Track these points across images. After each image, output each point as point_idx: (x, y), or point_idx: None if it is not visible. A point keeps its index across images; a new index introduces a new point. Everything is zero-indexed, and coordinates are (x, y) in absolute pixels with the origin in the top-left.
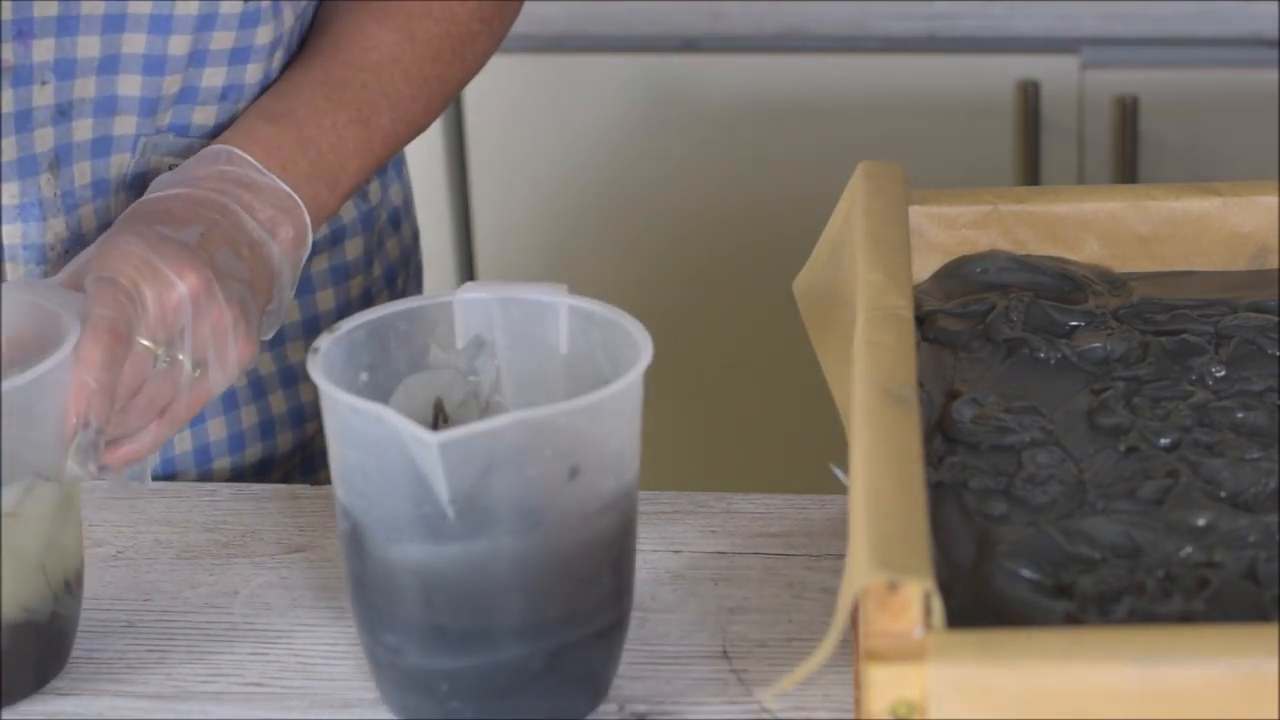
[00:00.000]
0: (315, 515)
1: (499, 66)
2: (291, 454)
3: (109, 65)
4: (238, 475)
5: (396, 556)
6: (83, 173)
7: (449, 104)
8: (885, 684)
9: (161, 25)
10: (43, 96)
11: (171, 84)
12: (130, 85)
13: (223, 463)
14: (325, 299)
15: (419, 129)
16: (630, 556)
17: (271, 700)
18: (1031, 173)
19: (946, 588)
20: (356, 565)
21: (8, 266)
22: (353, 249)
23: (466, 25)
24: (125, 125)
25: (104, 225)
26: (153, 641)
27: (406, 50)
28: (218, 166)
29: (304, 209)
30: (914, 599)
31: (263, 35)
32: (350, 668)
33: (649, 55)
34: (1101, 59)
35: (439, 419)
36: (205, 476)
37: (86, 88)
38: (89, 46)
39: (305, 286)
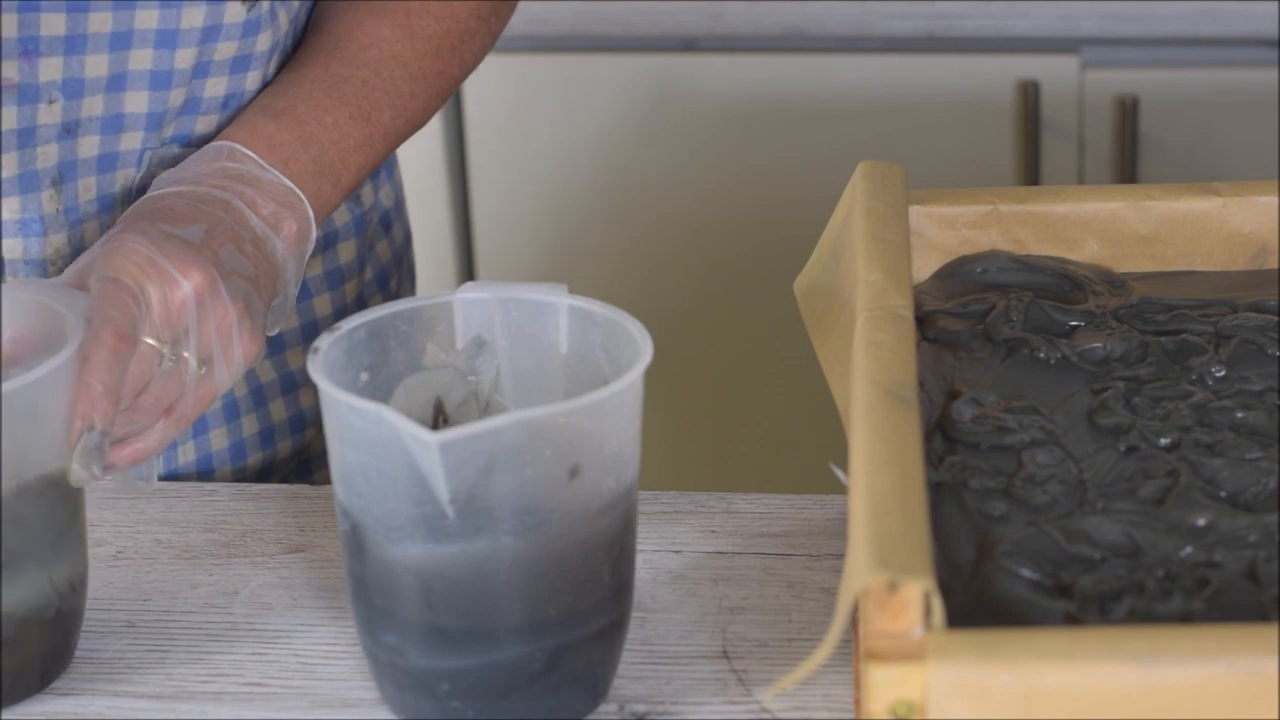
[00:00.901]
0: (315, 515)
1: (499, 66)
2: (290, 459)
3: (117, 83)
4: (239, 482)
5: (396, 556)
6: (87, 188)
7: (447, 100)
8: (885, 684)
9: (168, 39)
10: (49, 115)
11: (176, 97)
12: (137, 102)
13: (224, 471)
14: (322, 304)
15: (418, 125)
16: (630, 556)
17: (271, 700)
18: (1031, 173)
19: (946, 588)
20: (357, 565)
21: (8, 280)
22: (346, 252)
23: (465, 23)
24: (131, 141)
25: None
26: (153, 641)
27: (406, 47)
28: (220, 163)
29: (307, 204)
30: (914, 599)
31: (263, 42)
32: (350, 668)
33: (649, 55)
34: (1101, 59)
35: (439, 419)
36: None
37: (94, 106)
38: (97, 65)
39: (302, 292)
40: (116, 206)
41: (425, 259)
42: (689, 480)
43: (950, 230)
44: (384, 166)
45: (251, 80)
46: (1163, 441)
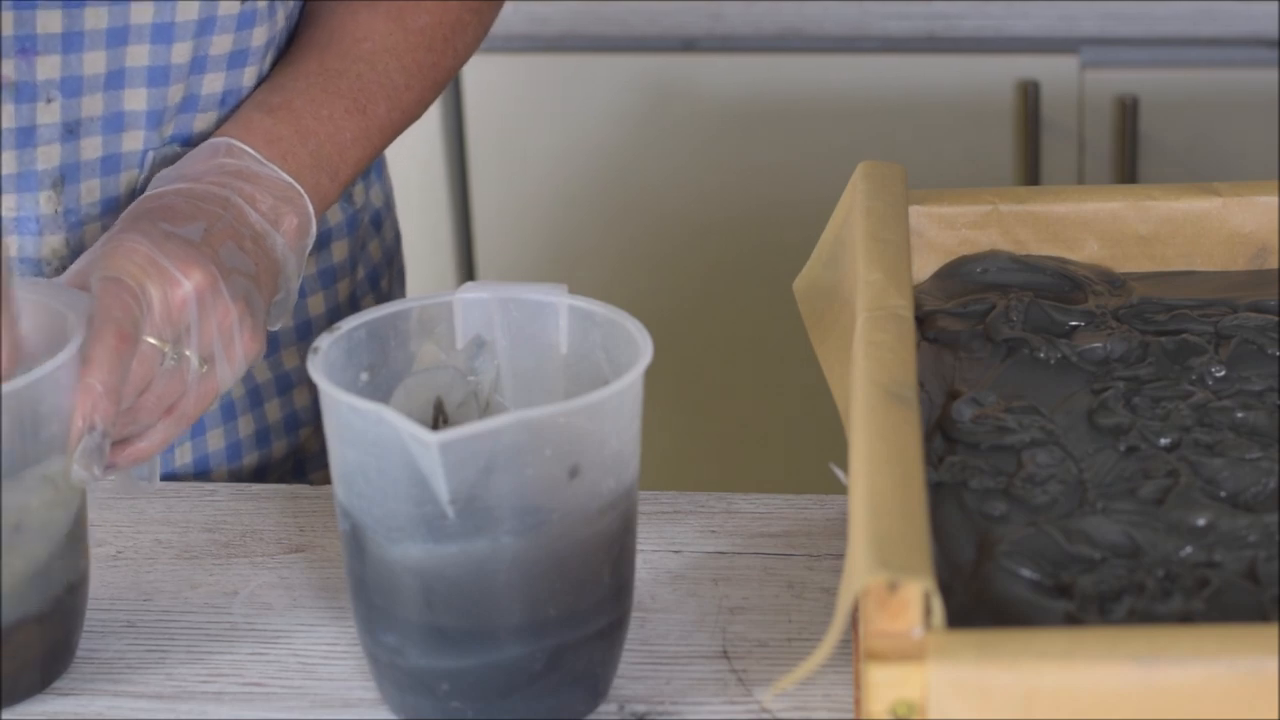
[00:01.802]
0: (315, 515)
1: (499, 66)
2: (285, 459)
3: (115, 80)
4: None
5: (397, 556)
6: (90, 190)
7: (441, 92)
8: (885, 684)
9: (164, 34)
10: (48, 114)
11: (175, 93)
12: (136, 99)
13: (220, 472)
14: (315, 303)
15: (413, 117)
16: (630, 556)
17: (271, 700)
18: (1031, 173)
19: (946, 588)
20: (357, 565)
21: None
22: (339, 251)
23: (457, 15)
24: (133, 141)
25: None
26: (153, 641)
27: (400, 40)
28: (217, 160)
29: (306, 199)
30: (914, 599)
31: (258, 36)
32: (350, 668)
33: (649, 55)
34: (1101, 59)
35: (439, 419)
36: None
37: (94, 105)
38: (95, 62)
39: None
40: (120, 208)
41: (425, 259)
42: (689, 480)
43: (950, 230)
44: (374, 166)
45: (248, 76)
46: (1163, 441)
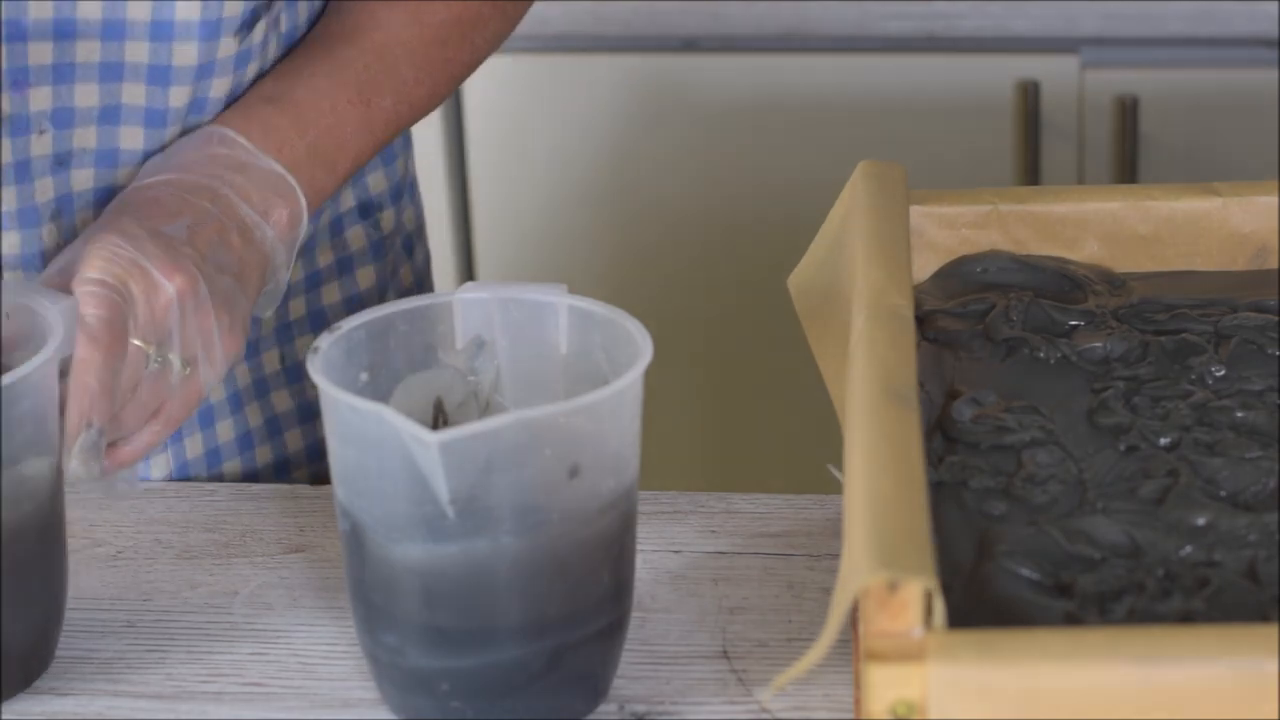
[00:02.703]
0: (315, 515)
1: (499, 66)
2: (302, 455)
3: (110, 116)
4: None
5: (397, 556)
6: (85, 223)
7: (457, 87)
8: (885, 684)
9: (160, 76)
10: (40, 146)
11: (172, 134)
12: (133, 139)
13: (233, 464)
14: None
15: (422, 112)
16: (630, 556)
17: (271, 700)
18: (1031, 173)
19: (946, 588)
20: (356, 565)
21: None
22: (365, 278)
23: (477, 10)
24: (128, 177)
25: None
26: (153, 641)
27: (413, 33)
28: (209, 150)
29: (299, 191)
30: (914, 599)
31: (251, 71)
32: (350, 668)
33: (649, 55)
34: (1101, 59)
35: (439, 419)
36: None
37: (87, 138)
38: (87, 95)
39: (319, 320)
40: None
41: None
42: (689, 480)
43: (950, 230)
44: (406, 189)
45: (250, 70)
46: (1163, 441)
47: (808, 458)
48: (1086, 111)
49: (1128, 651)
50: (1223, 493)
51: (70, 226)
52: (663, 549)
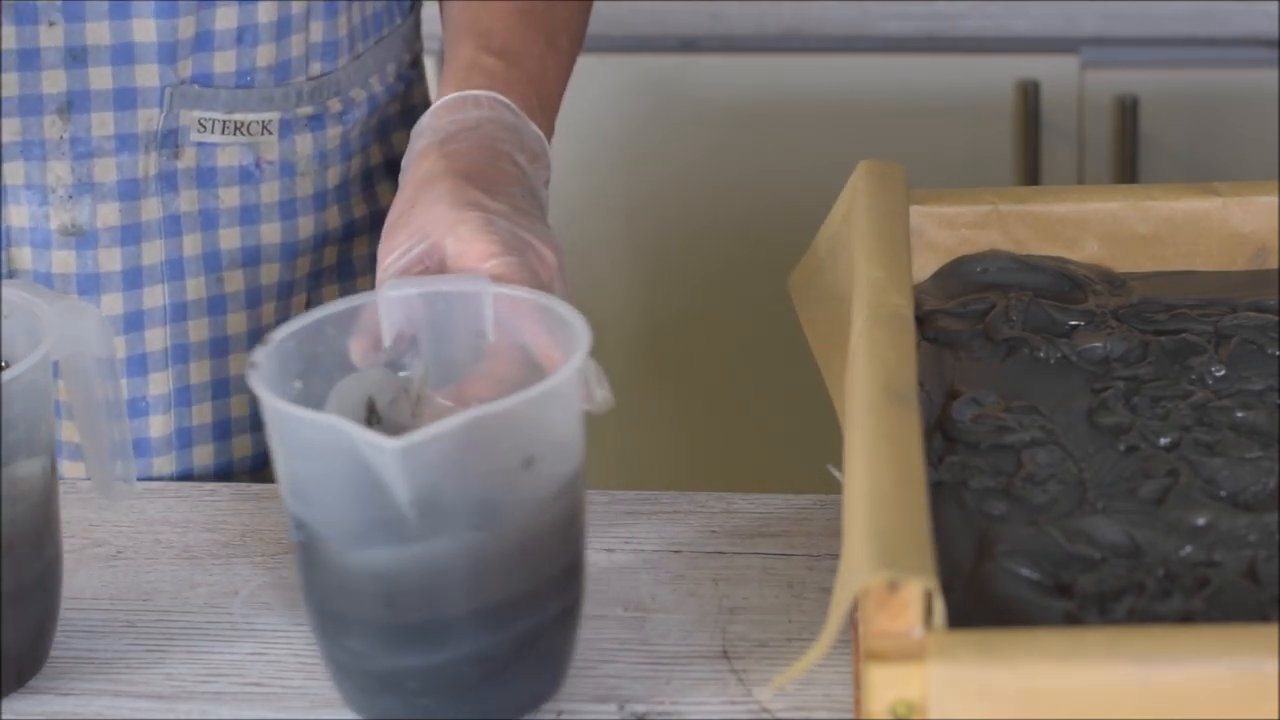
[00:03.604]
0: None
1: None
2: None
3: (120, 10)
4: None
5: (356, 562)
6: (103, 123)
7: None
8: (885, 684)
9: None
10: (50, 37)
11: (186, 26)
12: (145, 30)
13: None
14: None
15: (579, 48)
16: (581, 538)
17: (271, 700)
18: (1031, 173)
19: (946, 588)
20: (312, 574)
21: (13, 221)
22: (359, 246)
23: None
24: (148, 76)
25: (128, 180)
26: (153, 641)
27: None
28: (483, 112)
29: (548, 149)
30: (914, 599)
31: None
32: None
33: (649, 55)
34: (1101, 59)
35: (371, 419)
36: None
37: (100, 34)
38: None
39: (346, 270)
40: (141, 149)
41: None
42: (689, 480)
43: (950, 230)
44: None
45: (264, 12)
46: (1163, 441)
47: (808, 458)
48: (1086, 111)
49: (1128, 651)
50: (1223, 493)
51: (84, 123)
52: (663, 549)
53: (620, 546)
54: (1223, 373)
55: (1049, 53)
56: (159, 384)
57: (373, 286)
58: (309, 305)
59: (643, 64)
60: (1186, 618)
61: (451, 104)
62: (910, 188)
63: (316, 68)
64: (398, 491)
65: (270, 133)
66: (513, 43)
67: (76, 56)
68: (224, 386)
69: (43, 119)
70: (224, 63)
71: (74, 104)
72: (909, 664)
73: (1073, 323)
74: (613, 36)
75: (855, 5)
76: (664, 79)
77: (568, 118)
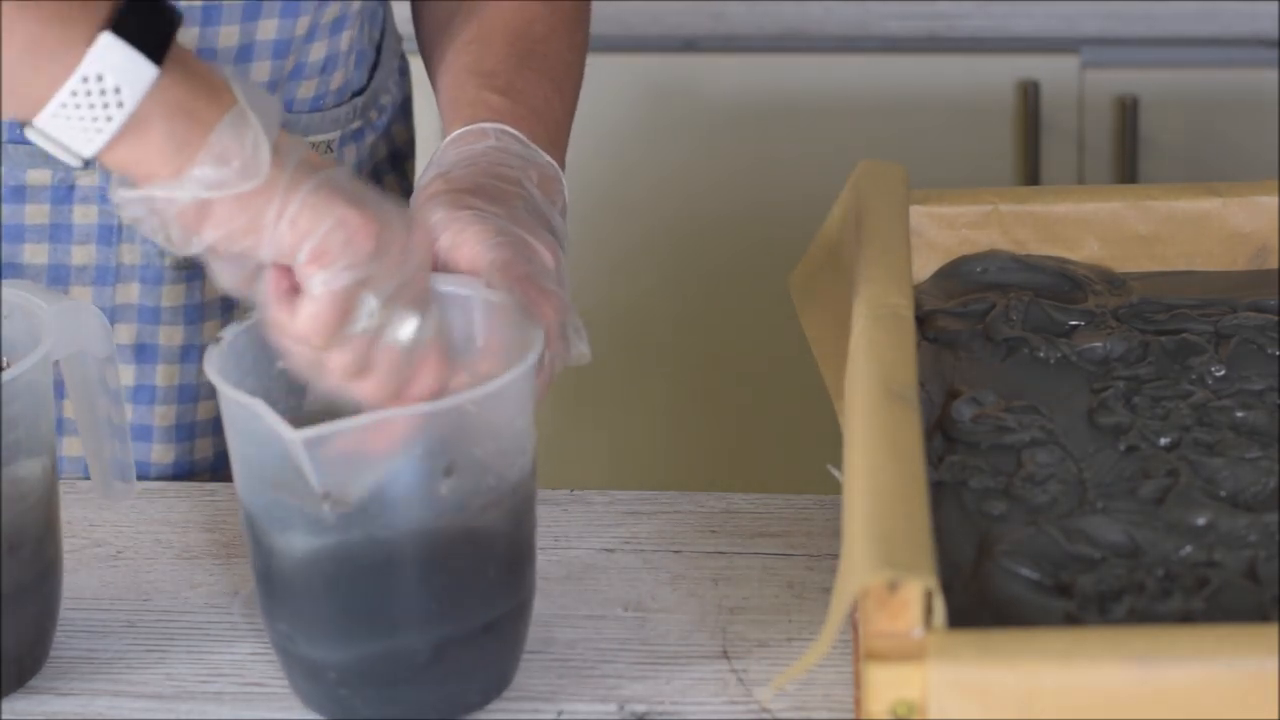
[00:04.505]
0: None
1: None
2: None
3: (245, 54)
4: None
5: (281, 546)
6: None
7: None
8: (885, 684)
9: (290, 9)
10: None
11: (290, 63)
12: (261, 71)
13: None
14: None
15: (577, 100)
16: (525, 552)
17: (271, 700)
18: (1031, 173)
19: (946, 588)
20: (253, 554)
21: (124, 256)
22: None
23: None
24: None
25: None
26: (153, 641)
27: (558, 20)
28: (487, 143)
29: (562, 177)
30: (914, 599)
31: None
32: None
33: (649, 55)
34: (1101, 59)
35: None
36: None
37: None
38: (229, 36)
39: None
40: None
41: None
42: (689, 480)
43: (950, 230)
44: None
45: (345, 41)
46: (1163, 441)
47: (808, 458)
48: (1086, 111)
49: (1128, 651)
50: (1223, 493)
51: None
52: (663, 549)
53: (620, 546)
54: (1223, 373)
55: (1049, 53)
56: (166, 375)
57: None
58: None
59: (643, 64)
60: (1186, 618)
61: (458, 138)
62: (910, 188)
63: (362, 81)
64: (310, 481)
65: (331, 150)
66: (517, 82)
67: None
68: None
69: None
70: (305, 90)
71: None
72: (909, 664)
73: (1073, 323)
74: (613, 36)
75: (856, 5)
76: (665, 79)
77: None
